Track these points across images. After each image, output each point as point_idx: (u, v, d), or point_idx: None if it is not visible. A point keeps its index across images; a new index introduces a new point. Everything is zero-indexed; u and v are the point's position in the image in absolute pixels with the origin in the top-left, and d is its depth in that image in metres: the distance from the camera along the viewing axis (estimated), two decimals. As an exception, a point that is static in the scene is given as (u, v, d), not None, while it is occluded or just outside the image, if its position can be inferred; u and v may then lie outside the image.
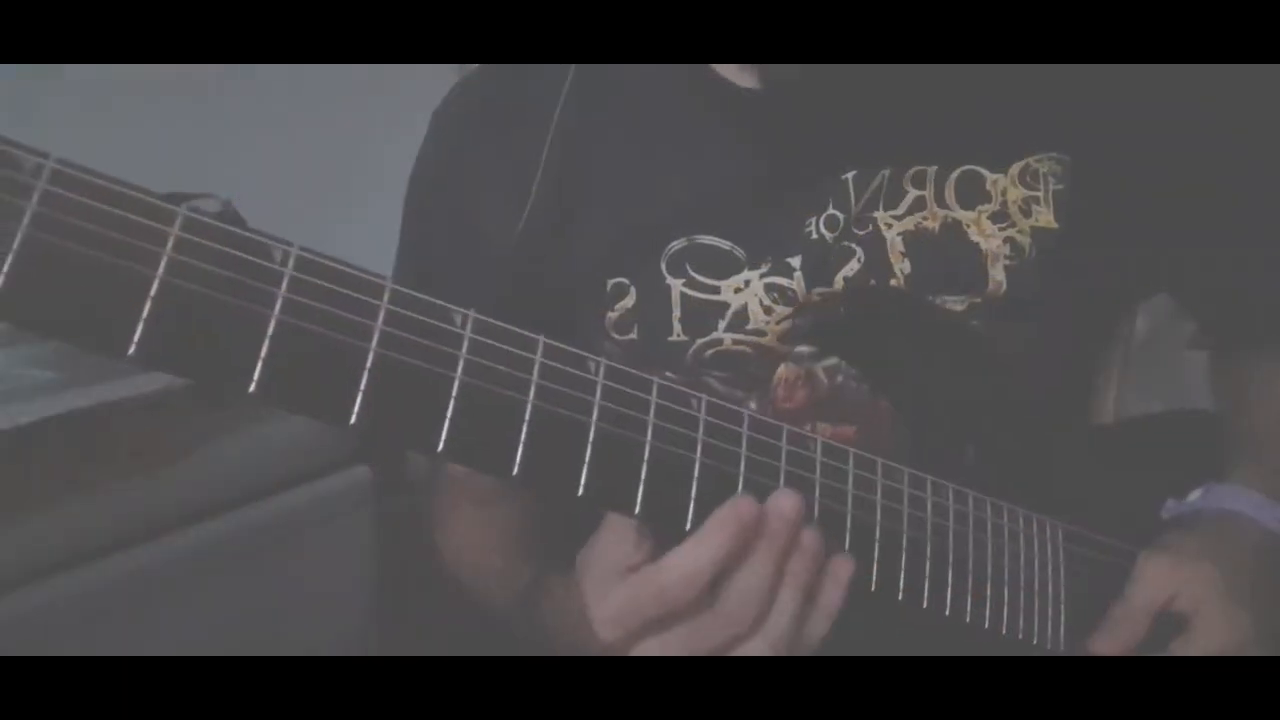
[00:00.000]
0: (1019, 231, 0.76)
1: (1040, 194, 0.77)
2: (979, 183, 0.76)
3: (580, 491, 0.53)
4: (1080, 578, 0.72)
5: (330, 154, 1.44)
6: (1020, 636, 0.69)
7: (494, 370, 0.50)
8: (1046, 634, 0.70)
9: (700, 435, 0.56)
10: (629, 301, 0.78)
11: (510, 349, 0.50)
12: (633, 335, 0.78)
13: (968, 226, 0.76)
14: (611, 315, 0.78)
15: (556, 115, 0.77)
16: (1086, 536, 0.74)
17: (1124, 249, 0.79)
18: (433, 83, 0.94)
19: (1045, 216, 0.76)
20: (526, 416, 0.50)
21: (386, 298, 0.47)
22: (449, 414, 0.48)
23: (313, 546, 1.21)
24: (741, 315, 0.76)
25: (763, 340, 0.76)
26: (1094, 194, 0.77)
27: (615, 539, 0.57)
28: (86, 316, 0.41)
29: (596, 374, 0.53)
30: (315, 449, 1.24)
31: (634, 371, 0.54)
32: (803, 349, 0.77)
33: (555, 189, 0.77)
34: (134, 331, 0.41)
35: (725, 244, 0.76)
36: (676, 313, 0.77)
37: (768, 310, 0.75)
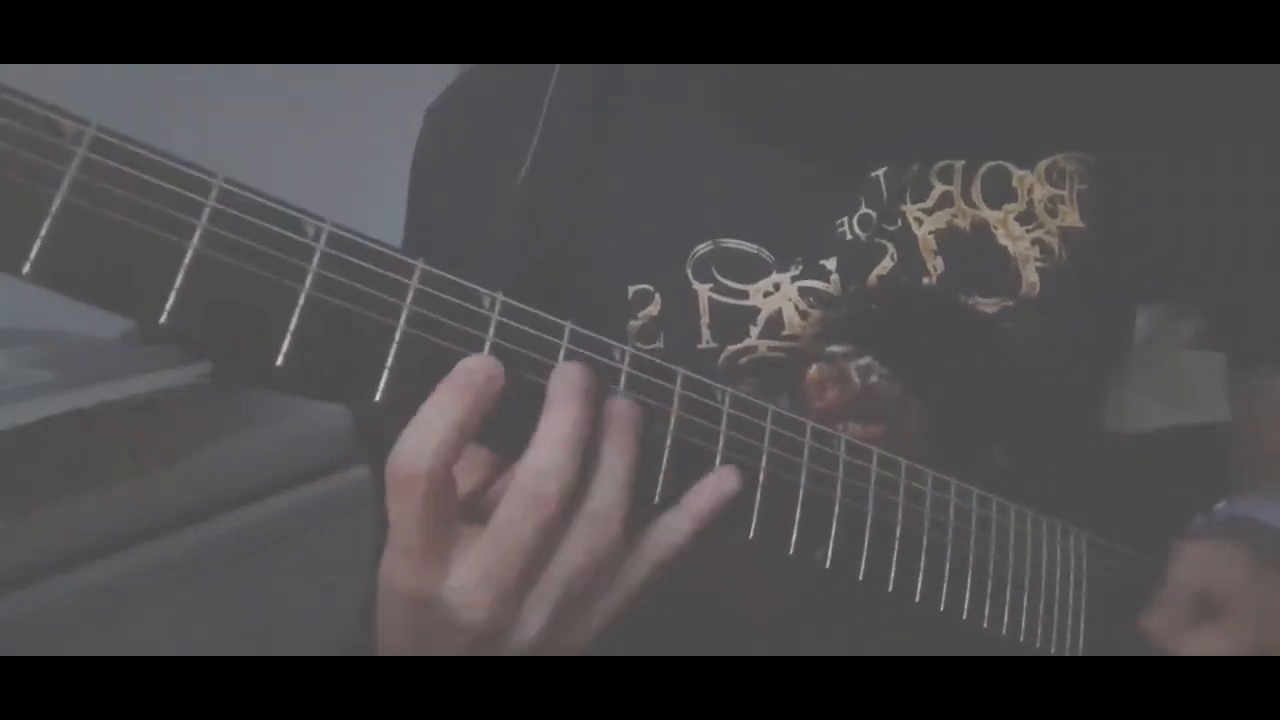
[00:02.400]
0: (1046, 232, 0.75)
1: (1065, 193, 0.76)
2: (1006, 179, 0.76)
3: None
4: (1101, 589, 0.72)
5: (330, 155, 1.44)
6: (1038, 644, 0.68)
7: (519, 354, 0.50)
8: (1065, 643, 0.70)
9: (723, 429, 0.56)
10: (654, 309, 0.76)
11: (537, 333, 0.50)
12: (659, 344, 0.76)
13: (995, 228, 0.75)
14: (635, 324, 0.76)
15: (545, 106, 0.76)
16: (1109, 547, 0.74)
17: (1149, 254, 0.79)
18: (433, 83, 0.94)
19: (1071, 216, 0.76)
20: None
21: (417, 277, 0.47)
22: None
23: (313, 546, 1.21)
24: (776, 321, 0.74)
25: (797, 345, 0.75)
26: (1118, 196, 0.77)
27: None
28: (120, 283, 0.41)
29: (621, 361, 0.53)
30: (315, 449, 1.23)
31: (659, 361, 0.54)
32: (835, 348, 0.76)
33: (559, 198, 0.76)
34: (166, 300, 0.41)
35: (752, 247, 0.75)
36: (705, 319, 0.75)
37: (804, 315, 0.74)
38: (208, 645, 1.03)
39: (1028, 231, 0.75)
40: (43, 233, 0.39)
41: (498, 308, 0.49)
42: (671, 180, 0.76)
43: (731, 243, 0.75)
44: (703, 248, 0.75)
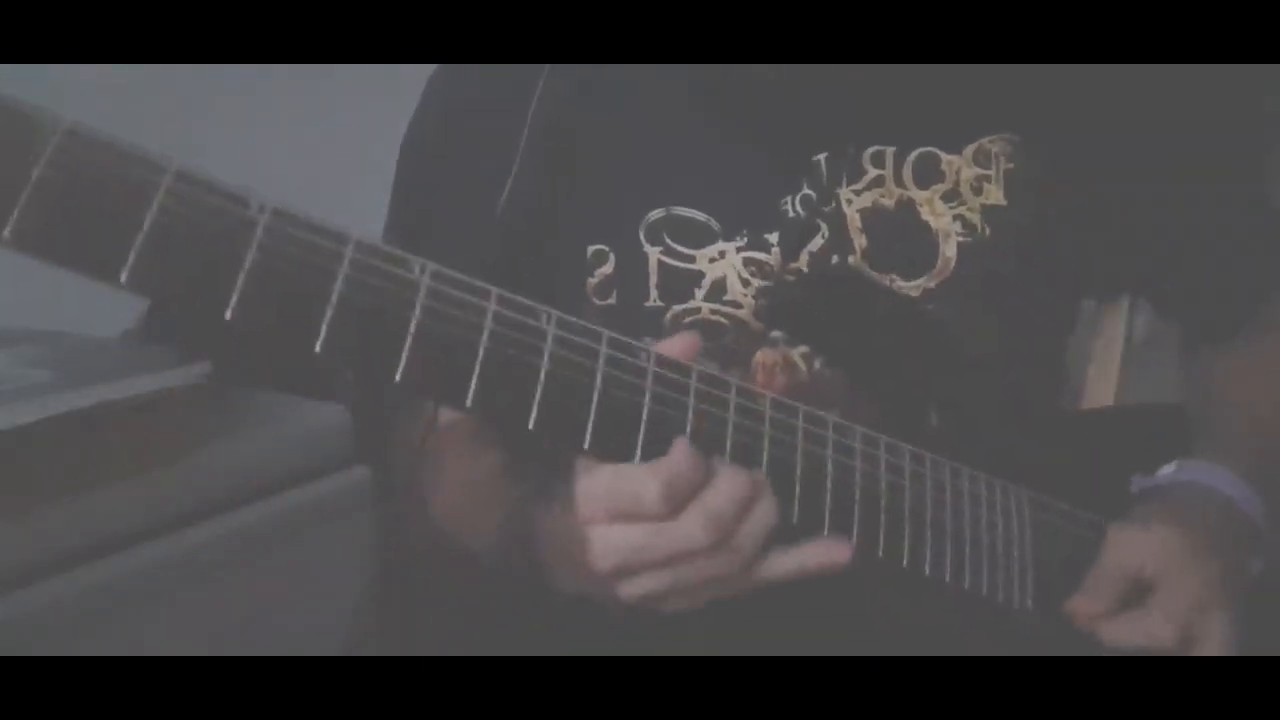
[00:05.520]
0: (969, 209, 0.82)
1: (991, 173, 0.82)
2: (934, 163, 0.82)
3: (530, 425, 0.58)
4: (1047, 541, 0.76)
5: (328, 155, 1.45)
6: (984, 593, 0.73)
7: (449, 314, 0.56)
8: (1013, 593, 0.74)
9: (649, 385, 0.61)
10: (608, 268, 0.83)
11: (465, 296, 0.56)
12: (611, 300, 0.83)
13: (920, 206, 0.82)
14: (592, 281, 0.83)
15: (539, 89, 0.83)
16: (1053, 504, 0.78)
17: (1079, 233, 0.85)
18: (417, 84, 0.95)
19: (995, 194, 0.82)
20: (480, 357, 0.56)
21: (351, 246, 0.54)
22: (405, 350, 0.54)
23: (313, 546, 1.22)
24: (719, 286, 0.81)
25: (739, 313, 0.82)
26: (1044, 174, 0.83)
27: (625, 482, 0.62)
28: (88, 248, 0.48)
29: (548, 324, 0.59)
30: (315, 449, 1.24)
31: (583, 323, 0.60)
32: (777, 334, 0.80)
33: (539, 163, 0.83)
34: (126, 261, 0.49)
35: (701, 216, 0.82)
36: (654, 279, 0.82)
37: (745, 283, 0.81)
38: (207, 645, 1.03)
39: (950, 209, 0.82)
40: (21, 202, 0.46)
41: (428, 273, 0.55)
42: (632, 151, 0.84)
43: (683, 211, 0.82)
44: (656, 214, 0.82)
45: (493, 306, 0.57)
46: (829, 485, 0.66)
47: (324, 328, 0.52)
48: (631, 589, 0.64)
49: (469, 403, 0.56)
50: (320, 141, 1.47)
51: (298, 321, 0.52)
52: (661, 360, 0.61)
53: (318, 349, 0.52)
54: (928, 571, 0.70)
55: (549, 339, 0.58)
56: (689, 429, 0.62)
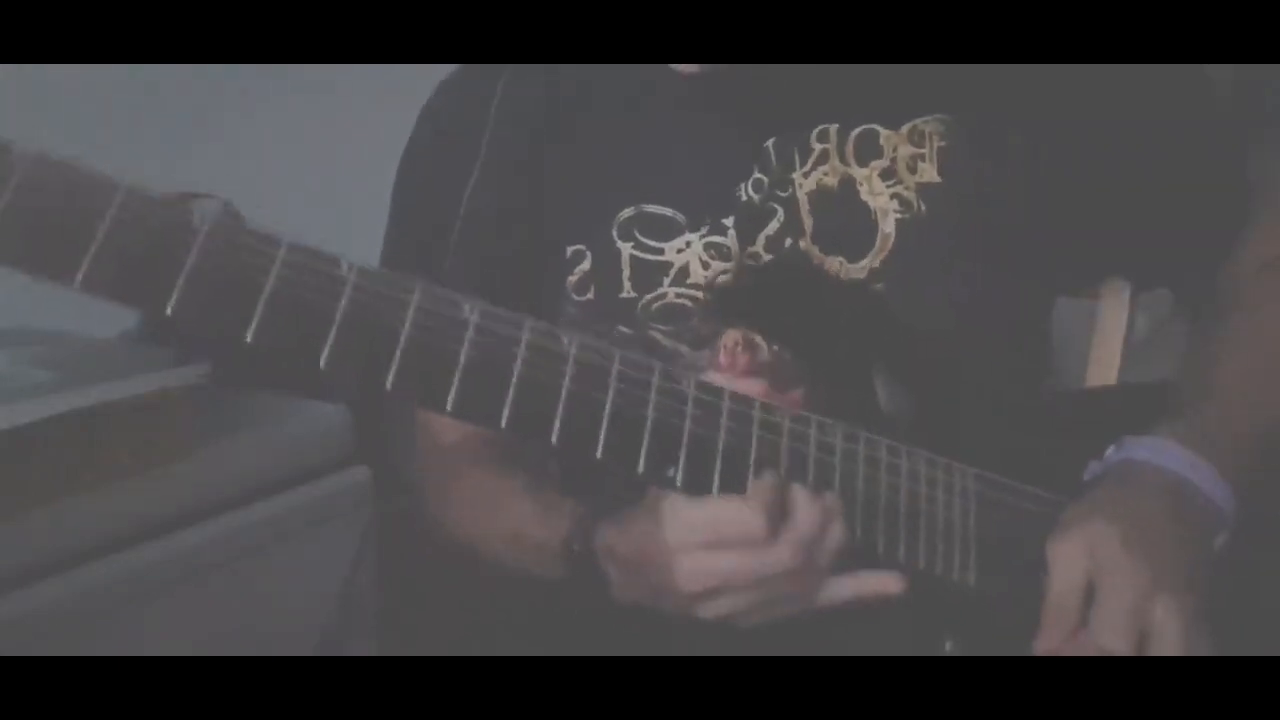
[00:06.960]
0: (905, 188, 0.87)
1: (926, 151, 0.87)
2: (874, 139, 0.88)
3: (449, 407, 0.62)
4: (994, 519, 0.78)
5: (329, 155, 1.45)
6: (922, 566, 0.75)
7: (372, 305, 0.60)
8: (954, 568, 0.76)
9: (569, 369, 0.65)
10: (586, 265, 0.89)
11: (389, 291, 0.61)
12: (590, 295, 0.89)
13: (860, 184, 0.87)
14: (572, 279, 0.89)
15: (497, 97, 0.90)
16: (1001, 482, 0.78)
17: (1018, 211, 0.88)
18: (429, 82, 0.96)
19: (929, 172, 0.87)
20: (401, 344, 0.60)
21: (283, 249, 0.58)
22: (331, 336, 0.59)
23: (312, 546, 1.22)
24: (684, 271, 0.88)
25: (701, 294, 0.88)
26: (975, 153, 0.88)
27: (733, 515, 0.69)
28: (48, 256, 0.55)
29: (471, 314, 0.63)
30: (315, 449, 1.25)
31: (505, 313, 0.65)
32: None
33: (510, 171, 0.90)
34: (79, 269, 0.54)
35: (668, 211, 0.88)
36: (626, 273, 0.88)
37: (705, 265, 0.87)
38: (207, 646, 1.04)
39: (888, 187, 0.87)
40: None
41: (354, 272, 0.60)
42: (601, 157, 0.90)
43: (651, 208, 0.88)
44: (627, 212, 0.88)
45: (415, 301, 0.61)
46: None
47: (255, 320, 0.57)
48: (712, 609, 0.71)
49: (389, 384, 0.61)
50: (318, 153, 1.47)
51: (234, 314, 0.57)
52: (582, 345, 0.67)
53: (249, 340, 0.57)
54: (880, 551, 0.74)
55: (470, 330, 0.63)
56: (752, 458, 0.70)
